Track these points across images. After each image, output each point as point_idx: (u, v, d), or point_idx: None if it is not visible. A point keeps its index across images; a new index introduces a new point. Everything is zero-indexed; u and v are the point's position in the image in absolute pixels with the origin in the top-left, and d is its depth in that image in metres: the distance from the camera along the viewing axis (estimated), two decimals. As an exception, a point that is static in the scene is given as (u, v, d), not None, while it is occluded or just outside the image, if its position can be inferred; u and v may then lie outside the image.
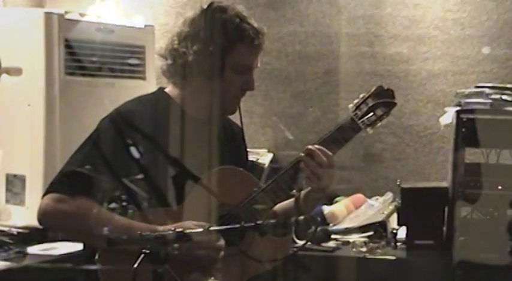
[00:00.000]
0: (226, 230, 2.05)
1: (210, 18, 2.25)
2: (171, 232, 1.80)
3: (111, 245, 1.79)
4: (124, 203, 1.75)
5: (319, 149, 2.23)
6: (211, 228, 1.98)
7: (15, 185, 3.30)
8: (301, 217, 1.91)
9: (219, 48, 2.20)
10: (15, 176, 3.31)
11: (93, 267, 2.04)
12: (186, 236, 1.76)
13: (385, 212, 3.60)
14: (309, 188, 2.26)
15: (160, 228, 2.03)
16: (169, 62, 2.28)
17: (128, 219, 2.12)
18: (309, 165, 2.22)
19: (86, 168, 2.11)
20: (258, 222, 1.90)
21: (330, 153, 2.24)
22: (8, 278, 2.82)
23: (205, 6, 2.28)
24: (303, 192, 2.25)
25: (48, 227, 2.58)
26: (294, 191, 2.21)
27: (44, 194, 2.18)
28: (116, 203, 1.74)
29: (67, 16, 3.34)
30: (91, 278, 2.13)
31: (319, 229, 3.40)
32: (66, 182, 2.15)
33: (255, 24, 2.28)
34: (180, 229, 1.83)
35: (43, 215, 2.17)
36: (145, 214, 2.08)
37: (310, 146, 2.24)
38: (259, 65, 2.32)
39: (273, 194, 2.24)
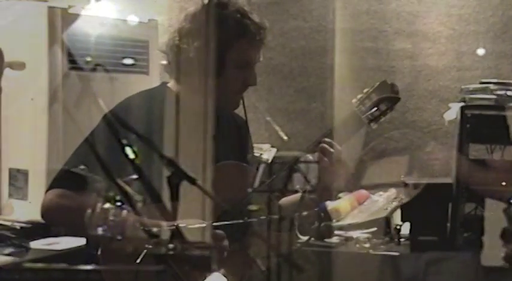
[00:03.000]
0: (226, 226, 2.04)
1: (211, 14, 2.23)
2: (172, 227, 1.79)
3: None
4: (118, 203, 1.74)
5: (329, 143, 2.22)
6: (212, 224, 1.97)
7: (18, 179, 3.29)
8: (305, 213, 1.90)
9: (220, 44, 2.18)
10: (18, 170, 3.30)
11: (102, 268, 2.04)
12: (181, 235, 1.75)
13: (389, 208, 3.59)
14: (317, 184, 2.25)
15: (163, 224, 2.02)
16: (171, 58, 2.27)
17: (132, 215, 2.11)
18: (322, 161, 2.22)
19: (86, 165, 2.11)
20: (261, 217, 1.90)
21: (339, 148, 2.24)
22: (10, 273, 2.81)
23: (206, 1, 2.26)
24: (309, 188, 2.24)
25: (52, 222, 2.57)
26: (299, 188, 2.20)
27: (47, 190, 2.17)
28: (110, 203, 1.73)
29: (70, 10, 3.34)
30: (93, 272, 2.12)
31: (322, 224, 3.39)
32: (68, 177, 2.15)
33: (257, 19, 2.26)
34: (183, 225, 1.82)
35: (47, 210, 2.17)
36: (140, 214, 2.06)
37: (322, 144, 2.24)
38: (261, 59, 2.30)
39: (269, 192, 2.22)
